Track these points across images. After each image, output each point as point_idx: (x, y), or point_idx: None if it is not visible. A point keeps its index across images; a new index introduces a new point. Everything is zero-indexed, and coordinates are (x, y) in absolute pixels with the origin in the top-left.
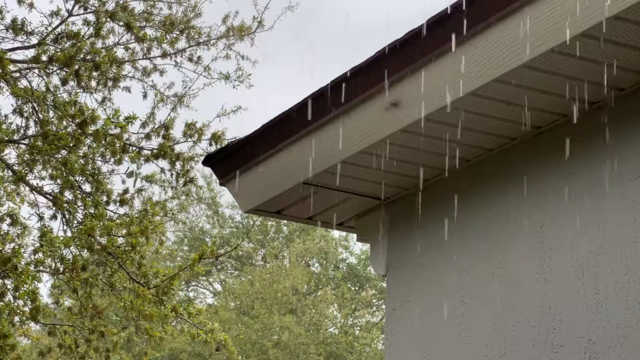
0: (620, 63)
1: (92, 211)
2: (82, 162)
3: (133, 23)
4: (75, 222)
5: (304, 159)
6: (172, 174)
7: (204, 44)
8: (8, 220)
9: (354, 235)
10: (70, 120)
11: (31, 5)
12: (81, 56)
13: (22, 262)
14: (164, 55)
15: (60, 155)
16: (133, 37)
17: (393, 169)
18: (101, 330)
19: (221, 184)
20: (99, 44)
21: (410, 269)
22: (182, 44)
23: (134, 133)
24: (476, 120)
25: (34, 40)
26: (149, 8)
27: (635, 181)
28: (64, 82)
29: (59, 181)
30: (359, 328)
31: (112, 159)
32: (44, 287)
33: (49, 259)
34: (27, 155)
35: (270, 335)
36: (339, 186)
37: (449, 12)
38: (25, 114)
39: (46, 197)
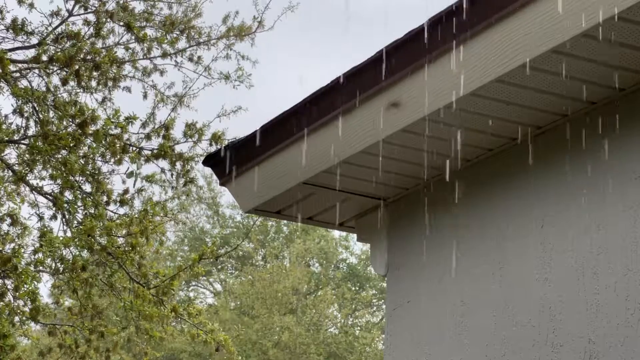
0: (620, 63)
1: (92, 211)
2: (82, 162)
3: (133, 23)
4: (75, 222)
5: (304, 159)
6: (172, 174)
7: (204, 44)
8: (8, 220)
9: (354, 235)
10: (70, 120)
11: (31, 5)
12: (81, 56)
13: (22, 262)
14: (164, 55)
15: (60, 155)
16: (133, 37)
17: (393, 169)
18: (101, 330)
19: (221, 184)
20: (99, 44)
21: (410, 269)
22: (182, 44)
23: (134, 133)
24: (476, 120)
25: (34, 40)
26: (149, 8)
27: (635, 181)
28: (64, 82)
29: (59, 181)
30: (359, 328)
31: (112, 159)
32: (44, 287)
33: (49, 259)
34: (27, 155)
35: (271, 335)
36: (339, 186)
37: (449, 12)
38: (26, 114)
39: (46, 197)
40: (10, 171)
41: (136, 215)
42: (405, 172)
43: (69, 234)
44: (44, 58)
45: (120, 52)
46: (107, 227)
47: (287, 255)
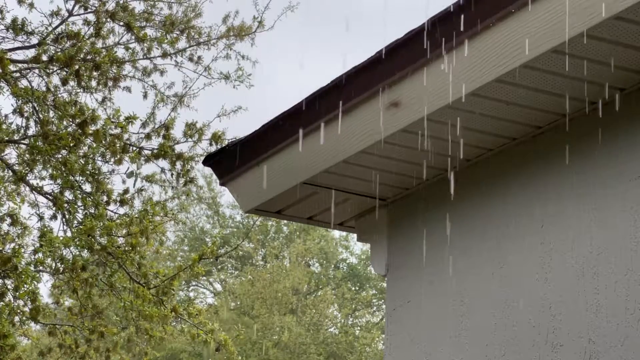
0: (621, 63)
1: (92, 211)
2: (82, 162)
3: (133, 23)
4: (75, 222)
5: (304, 159)
6: (172, 174)
7: (204, 44)
8: (8, 220)
9: (354, 235)
10: (70, 120)
11: (31, 5)
12: (81, 56)
13: (22, 262)
14: (164, 55)
15: (60, 155)
16: (133, 37)
17: (393, 169)
18: (101, 330)
19: (221, 184)
20: (99, 44)
21: (410, 269)
22: (182, 44)
23: (134, 133)
24: (476, 120)
25: (34, 40)
26: (149, 8)
27: (635, 181)
28: (64, 82)
29: (59, 181)
30: (359, 328)
31: (112, 159)
32: (44, 287)
33: (49, 259)
34: (27, 155)
35: (271, 335)
36: (339, 186)
37: (449, 12)
38: (26, 114)
39: (46, 197)
40: (10, 171)
41: (136, 215)
42: (405, 172)
43: (69, 234)
44: (44, 58)
45: (120, 52)
46: (107, 227)
47: (287, 255)
